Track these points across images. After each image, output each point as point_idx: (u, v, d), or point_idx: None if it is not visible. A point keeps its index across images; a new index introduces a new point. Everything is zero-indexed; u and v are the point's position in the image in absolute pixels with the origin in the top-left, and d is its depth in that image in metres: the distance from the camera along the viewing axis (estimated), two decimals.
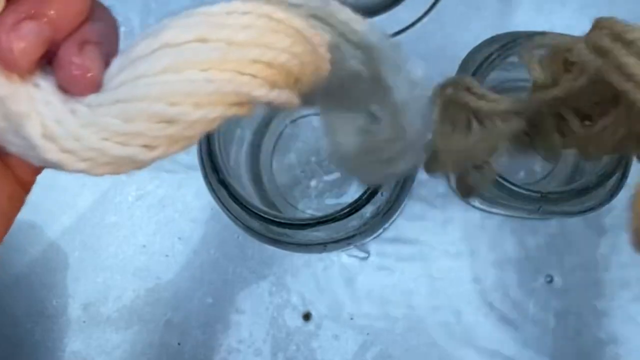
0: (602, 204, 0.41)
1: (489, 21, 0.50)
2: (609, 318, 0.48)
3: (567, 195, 0.40)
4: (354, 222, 0.37)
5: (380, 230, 0.43)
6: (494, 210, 0.45)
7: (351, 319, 0.49)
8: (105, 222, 0.50)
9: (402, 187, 0.39)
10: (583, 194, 0.41)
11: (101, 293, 0.50)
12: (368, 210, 0.37)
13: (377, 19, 0.48)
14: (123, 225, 0.50)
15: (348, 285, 0.49)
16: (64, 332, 0.50)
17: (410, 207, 0.49)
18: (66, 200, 0.50)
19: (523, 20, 0.50)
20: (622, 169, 0.40)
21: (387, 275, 0.49)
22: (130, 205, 0.50)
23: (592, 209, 0.42)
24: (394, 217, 0.42)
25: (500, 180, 0.40)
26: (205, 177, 0.39)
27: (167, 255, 0.50)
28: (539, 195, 0.40)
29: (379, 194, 0.37)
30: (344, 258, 0.49)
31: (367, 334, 0.49)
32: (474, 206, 0.48)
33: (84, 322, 0.50)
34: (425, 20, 0.48)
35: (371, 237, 0.45)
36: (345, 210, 0.36)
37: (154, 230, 0.50)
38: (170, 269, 0.50)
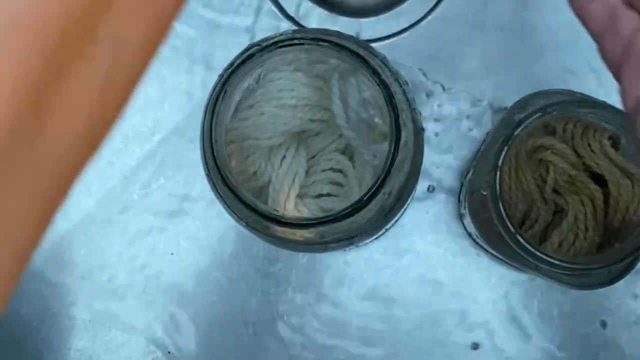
0: (600, 285, 0.41)
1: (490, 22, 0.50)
2: None
3: (560, 269, 0.40)
4: (356, 222, 0.37)
5: (383, 231, 0.43)
6: (496, 253, 0.45)
7: (356, 317, 0.49)
8: (110, 221, 0.50)
9: (405, 188, 0.39)
10: (579, 274, 0.40)
11: (106, 291, 0.50)
12: (370, 210, 0.37)
13: (377, 19, 0.48)
14: (128, 223, 0.50)
15: (352, 284, 0.49)
16: (69, 330, 0.50)
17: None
18: (71, 198, 0.50)
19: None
20: (631, 258, 0.40)
21: (392, 274, 0.49)
22: (136, 204, 0.50)
23: (588, 286, 0.42)
24: (397, 217, 0.42)
25: (510, 227, 0.40)
26: (208, 175, 0.39)
27: (172, 254, 0.50)
28: (533, 262, 0.40)
29: (381, 194, 0.36)
30: (348, 257, 0.49)
31: (371, 332, 0.49)
32: (477, 242, 0.48)
33: (89, 320, 0.50)
34: (426, 20, 0.48)
35: (373, 237, 0.45)
36: (347, 211, 0.36)
37: (159, 228, 0.50)
38: (176, 267, 0.50)
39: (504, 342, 0.49)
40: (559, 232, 0.43)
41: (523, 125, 0.40)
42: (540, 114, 0.41)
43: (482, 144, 0.48)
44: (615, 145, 0.43)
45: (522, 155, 0.44)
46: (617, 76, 0.30)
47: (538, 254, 0.40)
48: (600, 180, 0.43)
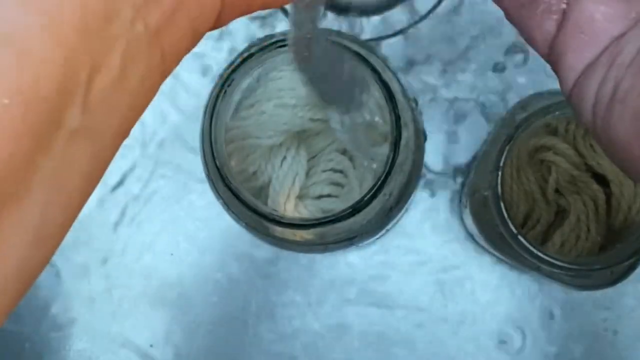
0: (602, 286, 0.41)
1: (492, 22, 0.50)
2: None
3: (562, 270, 0.40)
4: (356, 222, 0.37)
5: (383, 231, 0.43)
6: (497, 254, 0.45)
7: (356, 318, 0.49)
8: (109, 221, 0.50)
9: (406, 188, 0.38)
10: (580, 274, 0.40)
11: (105, 292, 0.50)
12: (371, 211, 0.37)
13: (377, 18, 0.48)
14: (128, 223, 0.50)
15: (353, 285, 0.49)
16: (68, 331, 0.50)
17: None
18: None
19: None
20: (634, 259, 0.40)
21: (393, 274, 0.49)
22: (135, 204, 0.50)
23: (591, 287, 0.42)
24: (398, 217, 0.42)
25: (511, 228, 0.40)
26: (208, 175, 0.39)
27: (172, 254, 0.50)
28: (535, 262, 0.40)
29: (382, 194, 0.36)
30: (349, 257, 0.49)
31: (372, 333, 0.49)
32: (478, 243, 0.47)
33: (89, 320, 0.50)
34: (426, 20, 0.47)
35: (374, 238, 0.45)
36: (347, 211, 0.36)
37: (159, 228, 0.50)
38: (175, 267, 0.50)
39: (505, 344, 0.49)
40: (560, 232, 0.43)
41: (524, 126, 0.40)
42: (541, 114, 0.40)
43: (484, 144, 0.47)
44: None
45: (524, 156, 0.44)
46: (549, 53, 0.27)
47: (540, 254, 0.39)
48: (602, 180, 0.43)
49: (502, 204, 0.40)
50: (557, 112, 0.40)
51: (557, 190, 0.44)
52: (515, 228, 0.40)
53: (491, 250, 0.45)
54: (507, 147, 0.40)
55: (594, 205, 0.43)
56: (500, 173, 0.40)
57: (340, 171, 0.41)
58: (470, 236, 0.48)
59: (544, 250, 0.40)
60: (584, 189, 0.43)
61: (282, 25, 0.50)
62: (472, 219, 0.45)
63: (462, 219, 0.48)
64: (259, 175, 0.41)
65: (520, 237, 0.40)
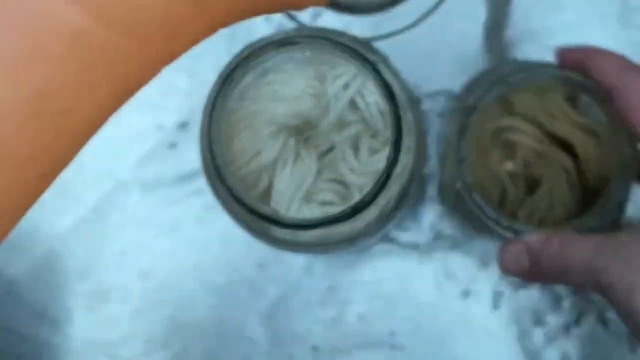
0: None
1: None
2: None
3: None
4: (357, 223, 0.37)
5: (385, 232, 0.43)
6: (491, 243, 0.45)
7: (357, 318, 0.49)
8: (109, 222, 0.50)
9: (407, 191, 0.38)
10: None
11: (105, 293, 0.50)
12: (372, 212, 0.37)
13: (378, 17, 0.48)
14: (127, 224, 0.50)
15: (353, 285, 0.49)
16: (68, 332, 0.50)
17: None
18: (70, 199, 0.50)
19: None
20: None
21: (394, 275, 0.49)
22: (134, 205, 0.50)
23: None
24: (398, 219, 0.41)
25: (490, 215, 0.40)
26: (208, 177, 0.39)
27: (171, 255, 0.50)
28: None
29: (383, 196, 0.36)
30: (349, 258, 0.49)
31: (374, 333, 0.49)
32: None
33: (89, 322, 0.50)
34: (429, 19, 0.47)
35: (375, 239, 0.44)
36: (348, 212, 0.36)
37: (158, 229, 0.50)
38: (175, 268, 0.50)
39: (506, 346, 0.48)
40: (531, 202, 0.42)
41: (475, 111, 0.40)
42: (488, 93, 0.40)
43: (444, 141, 0.47)
44: (576, 104, 0.42)
45: (486, 139, 0.43)
46: None
47: (517, 228, 0.39)
48: (566, 144, 0.43)
49: (475, 193, 0.40)
50: (503, 88, 0.40)
51: (526, 166, 0.43)
52: (494, 211, 0.39)
53: (481, 239, 0.45)
54: (464, 137, 0.40)
55: (565, 174, 0.42)
56: (464, 163, 0.40)
57: (342, 182, 0.41)
58: (461, 234, 0.48)
59: (524, 224, 0.40)
60: (552, 160, 0.43)
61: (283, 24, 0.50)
62: (453, 216, 0.45)
63: (445, 218, 0.48)
64: (264, 175, 0.41)
65: (501, 219, 0.39)
